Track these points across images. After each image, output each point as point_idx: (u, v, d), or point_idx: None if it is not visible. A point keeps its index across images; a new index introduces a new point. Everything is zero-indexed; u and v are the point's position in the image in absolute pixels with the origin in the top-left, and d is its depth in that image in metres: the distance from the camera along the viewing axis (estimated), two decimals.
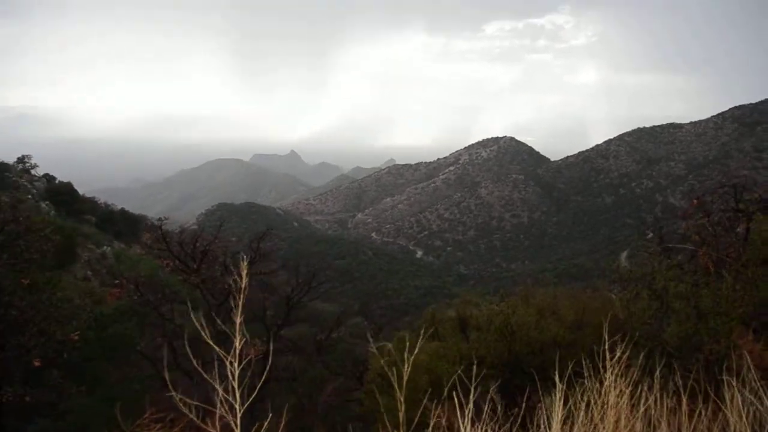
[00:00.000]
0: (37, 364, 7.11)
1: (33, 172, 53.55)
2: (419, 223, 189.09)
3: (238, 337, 2.77)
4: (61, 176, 58.87)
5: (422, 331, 10.28)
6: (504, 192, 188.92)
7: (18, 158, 53.88)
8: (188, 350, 3.66)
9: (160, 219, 16.54)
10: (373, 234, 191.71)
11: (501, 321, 8.32)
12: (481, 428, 3.49)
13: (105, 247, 42.84)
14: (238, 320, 2.80)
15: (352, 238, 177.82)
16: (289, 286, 17.43)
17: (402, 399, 4.26)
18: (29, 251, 8.11)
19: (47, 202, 47.96)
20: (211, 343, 2.79)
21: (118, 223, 56.58)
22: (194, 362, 2.87)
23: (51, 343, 7.22)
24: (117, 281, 18.82)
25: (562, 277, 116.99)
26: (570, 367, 3.13)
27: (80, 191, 57.55)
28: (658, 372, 3.14)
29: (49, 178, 55.62)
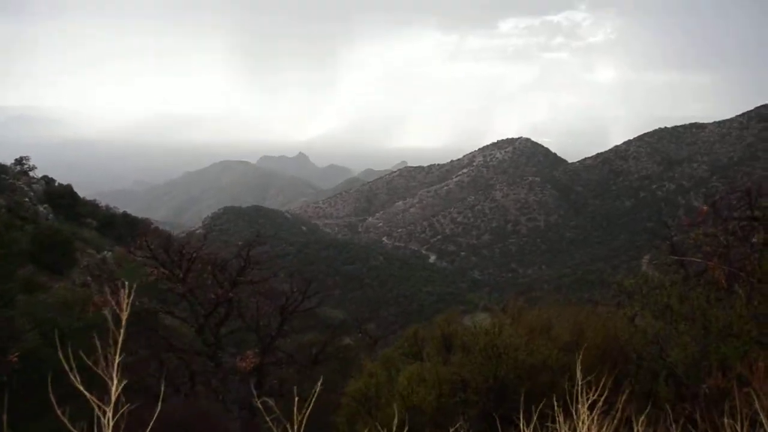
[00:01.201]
0: None
1: (31, 173, 53.62)
2: (432, 227, 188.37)
3: (114, 383, 2.36)
4: (61, 178, 59.06)
5: (405, 351, 9.78)
6: (520, 195, 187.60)
7: (16, 159, 53.92)
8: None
9: (144, 224, 16.20)
10: (384, 238, 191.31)
11: (486, 342, 7.85)
12: None
13: (106, 251, 42.86)
14: (116, 361, 2.39)
15: (363, 242, 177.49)
16: (284, 295, 17.08)
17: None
18: None
19: (46, 206, 48.12)
20: (81, 387, 2.38)
21: (120, 227, 56.67)
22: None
23: None
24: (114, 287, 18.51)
25: (580, 283, 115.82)
26: (537, 410, 2.70)
27: (81, 194, 57.76)
28: (637, 423, 2.69)
29: (48, 180, 55.80)
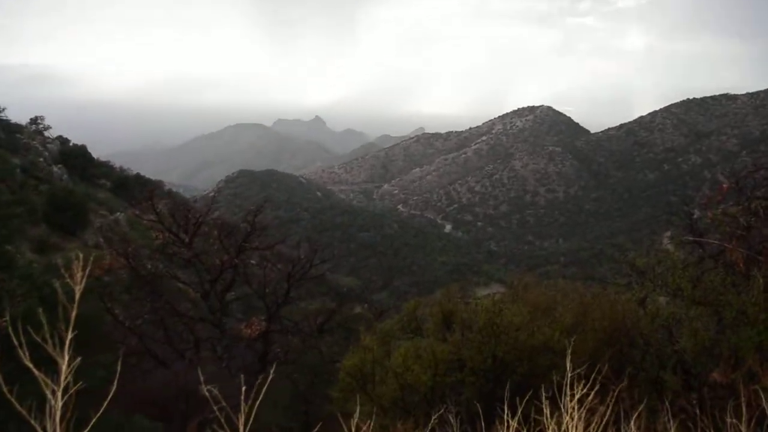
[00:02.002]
0: None
1: (46, 133, 53.86)
2: (448, 195, 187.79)
3: (65, 362, 2.25)
4: (75, 139, 59.29)
5: (403, 326, 9.69)
6: (539, 165, 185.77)
7: (30, 119, 54.20)
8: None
9: (155, 185, 16.20)
10: (400, 206, 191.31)
11: (486, 320, 7.72)
12: None
13: (119, 213, 43.21)
14: (68, 337, 2.27)
15: (378, 209, 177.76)
16: (292, 262, 17.12)
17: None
18: None
19: (60, 166, 48.45)
20: (29, 364, 2.25)
21: (133, 189, 57.01)
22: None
23: None
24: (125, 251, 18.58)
25: (599, 257, 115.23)
26: (522, 403, 2.57)
27: (95, 155, 58.03)
28: (630, 419, 2.54)
29: (62, 140, 56.06)
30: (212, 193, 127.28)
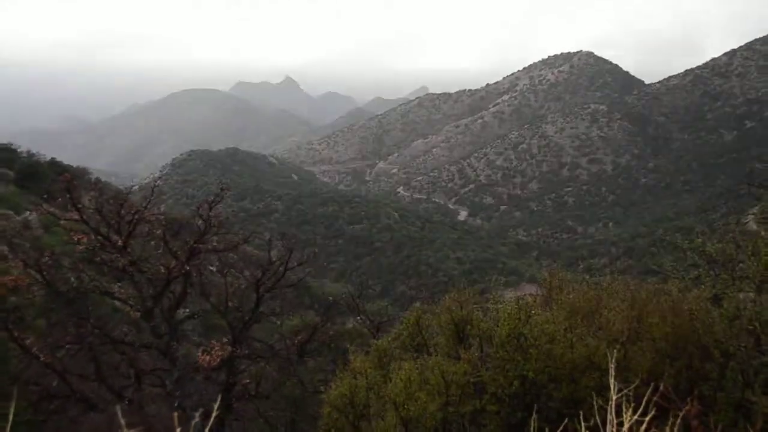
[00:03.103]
0: None
1: None
2: (462, 173, 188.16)
3: None
4: None
5: (404, 342, 9.68)
6: (579, 128, 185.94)
7: None
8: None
9: (64, 175, 16.12)
10: (400, 189, 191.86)
11: (510, 330, 7.65)
12: None
13: (28, 213, 43.06)
14: None
15: (372, 195, 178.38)
16: (259, 267, 17.13)
17: None
18: None
19: None
20: None
21: (47, 180, 56.81)
22: None
23: None
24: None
25: (660, 246, 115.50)
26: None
27: None
28: None
29: None
30: (155, 181, 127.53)
